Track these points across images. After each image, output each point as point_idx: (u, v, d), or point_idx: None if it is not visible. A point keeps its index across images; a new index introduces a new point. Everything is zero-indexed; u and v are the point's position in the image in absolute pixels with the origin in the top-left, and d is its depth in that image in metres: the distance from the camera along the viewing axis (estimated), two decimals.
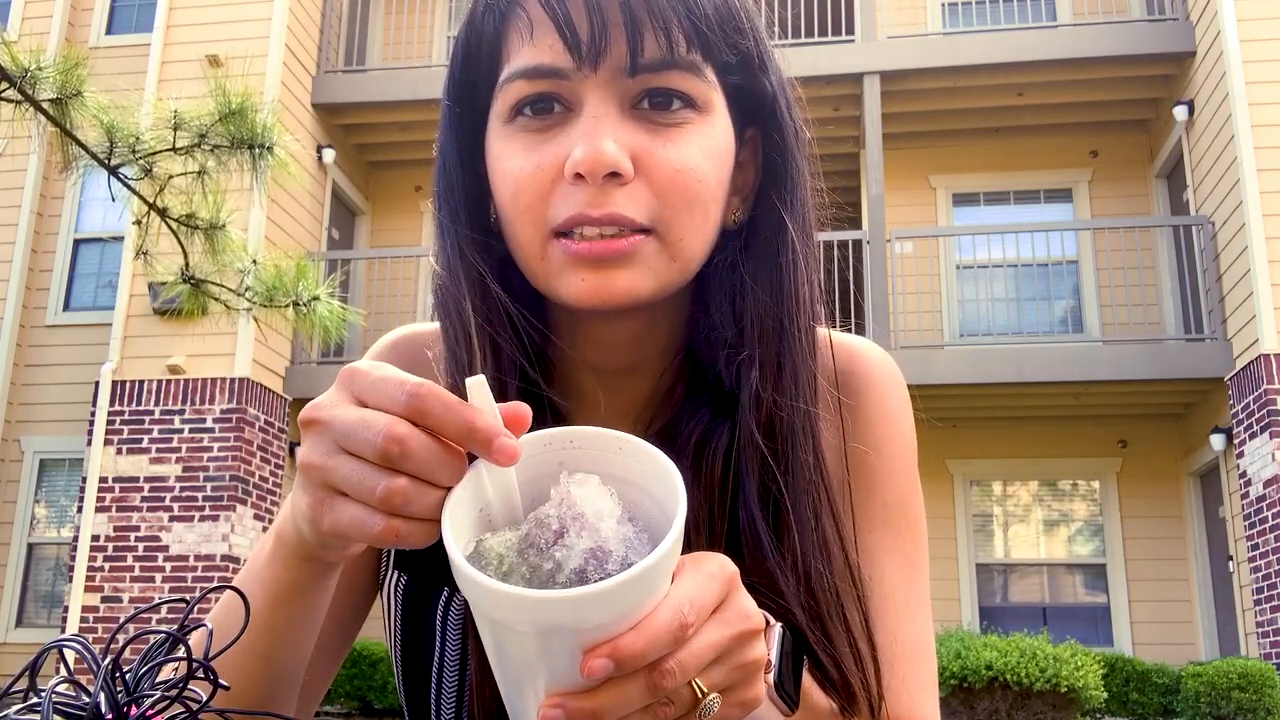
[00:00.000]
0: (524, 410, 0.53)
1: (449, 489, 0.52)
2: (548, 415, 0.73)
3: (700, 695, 0.50)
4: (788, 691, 0.60)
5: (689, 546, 0.57)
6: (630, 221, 0.65)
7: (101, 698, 0.50)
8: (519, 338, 0.72)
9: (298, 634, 0.65)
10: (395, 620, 0.78)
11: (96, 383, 9.67)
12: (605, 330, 0.74)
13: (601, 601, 0.47)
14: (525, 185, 0.67)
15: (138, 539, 9.26)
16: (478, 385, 0.52)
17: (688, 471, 0.68)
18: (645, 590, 0.48)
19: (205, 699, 0.52)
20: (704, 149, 0.68)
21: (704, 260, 0.71)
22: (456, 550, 0.50)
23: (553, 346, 0.75)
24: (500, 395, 0.61)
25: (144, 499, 9.34)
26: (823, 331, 0.78)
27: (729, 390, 0.73)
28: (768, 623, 0.59)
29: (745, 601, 0.53)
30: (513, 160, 0.67)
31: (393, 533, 0.51)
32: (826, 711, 0.68)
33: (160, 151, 4.73)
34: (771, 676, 0.58)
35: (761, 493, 0.71)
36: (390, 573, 0.79)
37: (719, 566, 0.52)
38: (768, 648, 0.58)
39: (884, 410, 0.80)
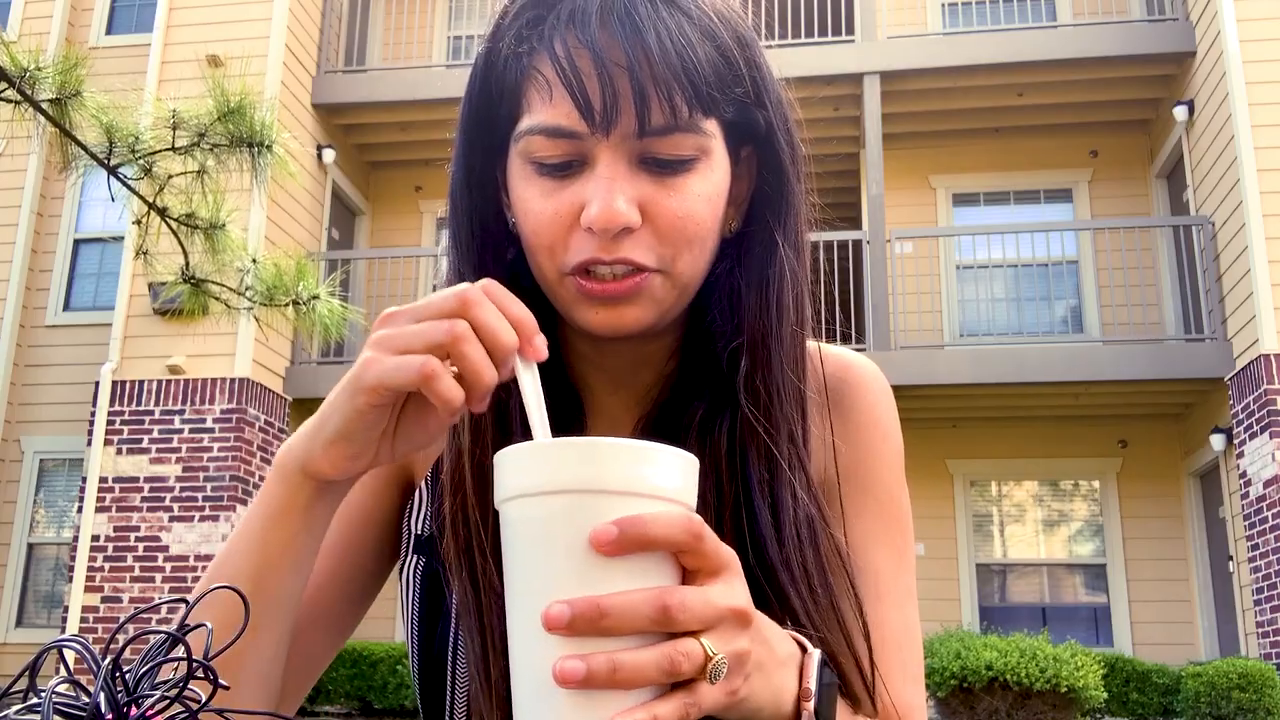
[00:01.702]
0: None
1: (496, 370, 0.60)
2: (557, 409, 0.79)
3: (709, 655, 0.52)
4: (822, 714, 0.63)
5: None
6: (638, 264, 0.73)
7: (101, 698, 0.50)
8: None
9: (288, 561, 0.68)
10: (414, 603, 0.83)
11: (96, 383, 9.67)
12: (615, 340, 0.80)
13: (627, 454, 0.53)
14: (544, 227, 0.74)
15: (138, 539, 9.26)
16: None
17: (694, 448, 0.75)
18: (661, 473, 0.54)
19: (205, 699, 0.52)
20: (702, 193, 0.74)
21: (703, 279, 0.78)
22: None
23: (565, 346, 0.83)
24: (506, 400, 0.74)
25: (144, 499, 9.34)
26: (814, 344, 0.85)
27: (726, 375, 0.79)
28: (804, 649, 0.63)
29: (745, 592, 0.56)
30: (533, 203, 0.75)
31: (429, 368, 0.58)
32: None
33: (159, 151, 4.72)
34: (812, 704, 0.61)
35: (760, 478, 0.77)
36: (410, 557, 0.84)
37: (728, 549, 0.56)
38: (806, 676, 0.62)
39: (875, 416, 0.87)
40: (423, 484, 0.85)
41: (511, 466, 0.56)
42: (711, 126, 0.74)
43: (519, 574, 0.55)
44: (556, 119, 0.72)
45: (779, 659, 0.60)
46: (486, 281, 0.62)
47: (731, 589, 0.55)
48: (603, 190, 0.71)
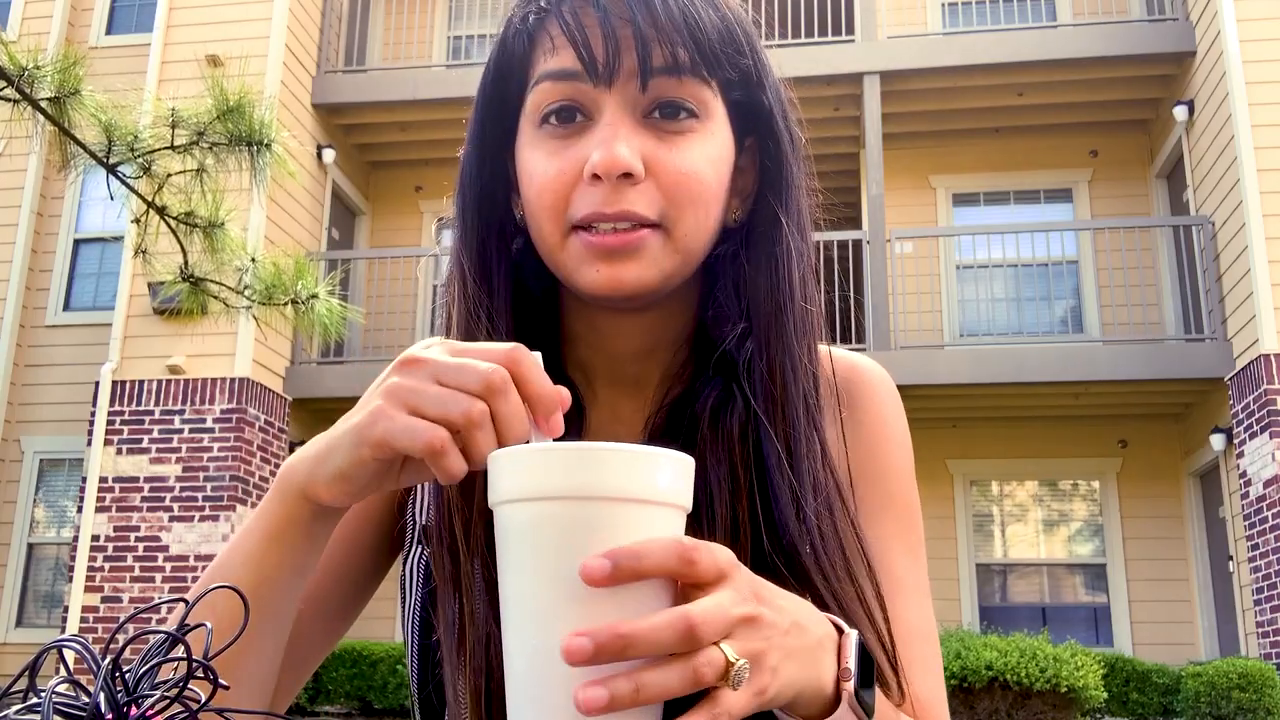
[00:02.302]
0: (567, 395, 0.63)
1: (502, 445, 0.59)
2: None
3: (731, 661, 0.52)
4: (864, 700, 0.62)
5: (712, 505, 0.73)
6: (640, 216, 0.73)
7: (101, 698, 0.50)
8: (529, 335, 0.80)
9: (284, 578, 0.69)
10: (417, 596, 0.83)
11: (96, 383, 9.67)
12: (621, 322, 0.82)
13: (619, 459, 0.53)
14: (548, 186, 0.75)
15: (138, 539, 9.26)
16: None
17: (707, 435, 0.77)
18: (654, 476, 0.54)
19: (205, 699, 0.52)
20: (706, 155, 0.76)
21: (705, 254, 0.79)
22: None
23: (566, 335, 0.85)
24: None
25: (144, 499, 9.34)
26: (824, 347, 0.86)
27: (736, 361, 0.80)
28: (841, 630, 0.63)
29: (754, 585, 0.57)
30: (539, 165, 0.76)
31: (437, 443, 0.58)
32: (889, 711, 0.70)
33: (158, 150, 4.72)
34: (851, 684, 0.61)
35: (778, 459, 0.77)
36: (415, 549, 0.84)
37: (724, 551, 0.56)
38: (844, 656, 0.61)
39: (884, 417, 0.88)
40: None
41: (506, 469, 0.55)
42: (714, 89, 0.76)
43: (514, 582, 0.54)
44: (561, 63, 0.75)
45: (816, 640, 0.60)
46: (515, 351, 0.61)
47: (740, 594, 0.55)
48: (606, 137, 0.73)
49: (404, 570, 0.85)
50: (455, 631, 0.74)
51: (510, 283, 0.81)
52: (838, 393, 0.85)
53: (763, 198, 0.81)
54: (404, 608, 0.85)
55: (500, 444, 0.59)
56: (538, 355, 0.62)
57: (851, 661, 0.61)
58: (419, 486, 0.85)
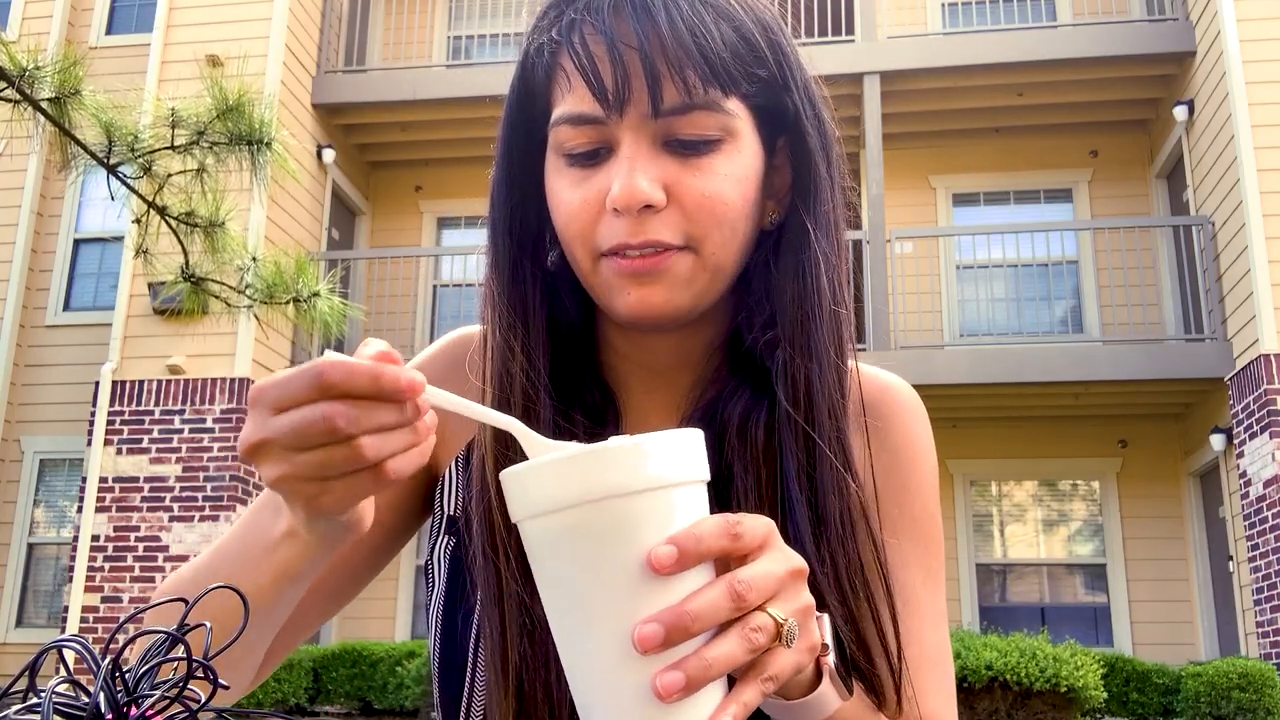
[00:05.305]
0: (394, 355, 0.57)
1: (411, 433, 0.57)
2: (592, 408, 0.82)
3: (779, 621, 0.54)
4: (842, 675, 0.64)
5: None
6: (665, 244, 0.74)
7: (101, 698, 0.50)
8: (565, 345, 0.82)
9: (290, 605, 0.70)
10: (442, 585, 0.83)
11: (96, 383, 9.67)
12: (654, 334, 0.83)
13: (636, 452, 0.52)
14: (575, 216, 0.76)
15: (138, 539, 9.26)
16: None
17: (735, 443, 0.78)
18: (673, 458, 0.54)
19: (205, 699, 0.52)
20: (729, 174, 0.75)
21: (738, 266, 0.79)
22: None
23: (602, 343, 0.86)
24: (535, 398, 0.78)
25: (144, 499, 9.34)
26: (851, 363, 0.85)
27: (766, 369, 0.80)
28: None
29: (790, 550, 0.58)
30: (564, 194, 0.77)
31: (391, 474, 0.55)
32: (867, 703, 0.73)
33: (159, 149, 4.72)
34: (831, 659, 0.62)
35: (798, 469, 0.77)
36: (441, 538, 0.85)
37: (762, 520, 0.57)
38: (821, 633, 0.62)
39: (912, 436, 0.88)
40: (452, 465, 0.86)
41: (520, 486, 0.55)
42: (735, 106, 0.75)
43: (559, 593, 0.54)
44: (577, 106, 0.75)
45: None
46: (321, 368, 0.53)
47: (781, 553, 0.57)
48: (624, 170, 0.73)
49: (430, 558, 0.86)
50: (499, 645, 0.75)
51: (545, 311, 0.81)
52: (864, 410, 0.85)
53: (793, 202, 0.81)
54: (427, 599, 0.86)
55: (410, 449, 0.56)
56: (332, 354, 0.55)
57: (828, 638, 0.62)
58: (446, 477, 0.86)
